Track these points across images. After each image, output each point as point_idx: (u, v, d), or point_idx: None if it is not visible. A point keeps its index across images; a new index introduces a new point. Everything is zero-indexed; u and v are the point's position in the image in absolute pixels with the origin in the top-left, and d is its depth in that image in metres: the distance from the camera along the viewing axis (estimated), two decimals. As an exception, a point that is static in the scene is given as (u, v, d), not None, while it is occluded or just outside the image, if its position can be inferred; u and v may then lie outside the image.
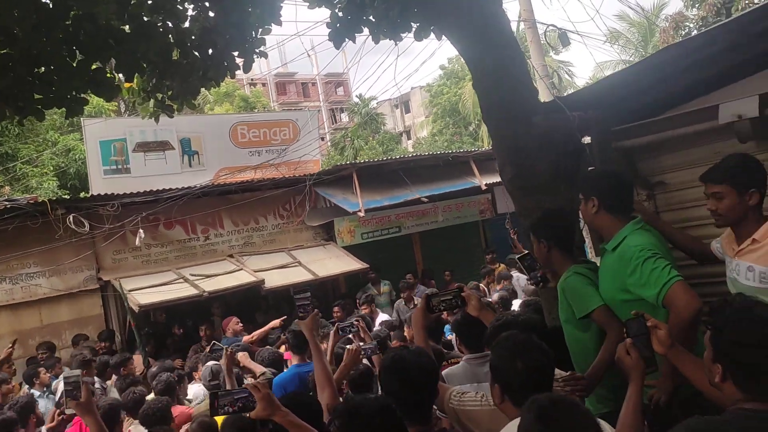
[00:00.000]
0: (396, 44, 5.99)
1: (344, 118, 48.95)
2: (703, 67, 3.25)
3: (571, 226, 3.43)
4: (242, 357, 5.27)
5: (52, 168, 19.03)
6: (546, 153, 3.63)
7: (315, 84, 49.13)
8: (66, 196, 15.24)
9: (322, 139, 44.41)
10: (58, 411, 5.33)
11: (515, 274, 8.53)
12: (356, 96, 41.40)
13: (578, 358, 3.13)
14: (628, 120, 3.63)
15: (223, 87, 30.87)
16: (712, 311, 1.86)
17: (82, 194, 15.59)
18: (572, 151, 3.62)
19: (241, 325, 8.07)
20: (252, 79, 42.08)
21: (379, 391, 2.60)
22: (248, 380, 4.85)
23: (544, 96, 8.15)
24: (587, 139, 3.95)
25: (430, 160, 12.25)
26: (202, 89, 6.71)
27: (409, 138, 47.93)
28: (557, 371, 2.87)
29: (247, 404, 2.46)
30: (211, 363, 5.40)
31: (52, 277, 9.07)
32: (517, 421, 2.02)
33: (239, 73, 6.48)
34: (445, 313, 3.75)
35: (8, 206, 8.60)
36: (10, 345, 7.42)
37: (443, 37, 4.31)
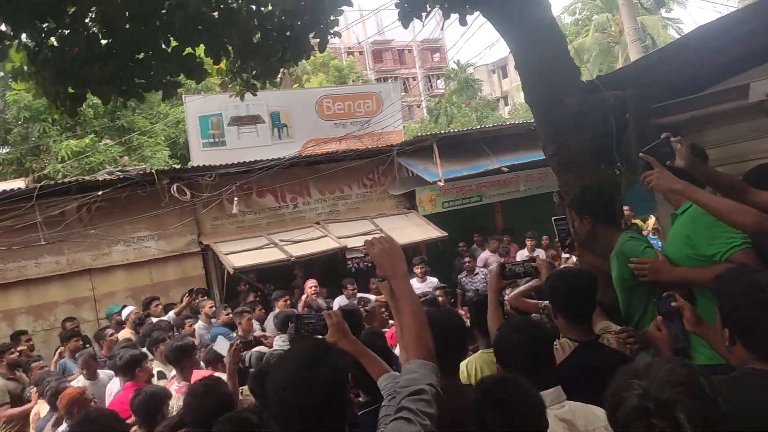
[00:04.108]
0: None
1: (441, 84, 48.66)
2: (738, 45, 3.25)
3: (611, 200, 3.55)
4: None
5: (164, 138, 20.58)
6: (581, 131, 3.76)
7: (411, 51, 49.01)
8: (176, 165, 16.52)
9: (418, 106, 44.56)
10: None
11: None
12: (453, 62, 41.05)
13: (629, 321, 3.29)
14: (667, 98, 3.68)
15: (320, 58, 31.64)
16: (716, 279, 1.99)
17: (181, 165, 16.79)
18: (608, 129, 3.73)
19: (315, 288, 8.60)
20: (349, 48, 42.69)
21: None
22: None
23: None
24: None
25: (511, 129, 12.23)
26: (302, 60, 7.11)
27: (506, 104, 46.96)
28: (608, 324, 3.09)
29: (318, 329, 2.66)
30: (256, 350, 5.85)
31: (159, 240, 10.09)
32: None
33: (336, 42, 6.87)
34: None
35: (121, 176, 9.63)
36: (187, 294, 8.19)
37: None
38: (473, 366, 3.48)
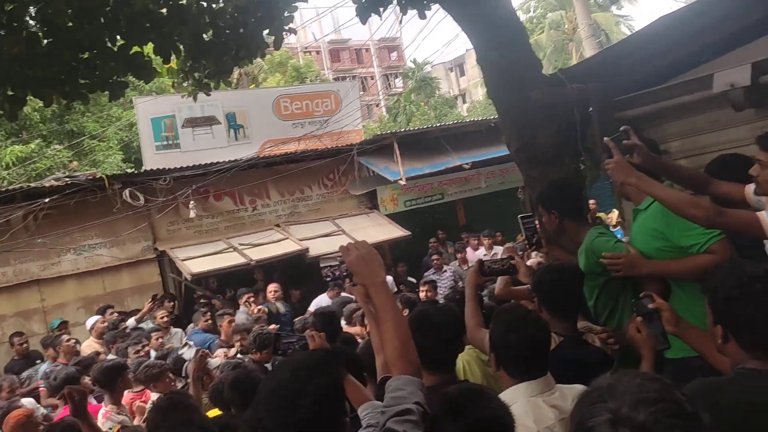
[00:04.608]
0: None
1: (399, 83, 48.70)
2: (701, 36, 3.22)
3: (579, 194, 3.50)
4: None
5: (116, 142, 19.96)
6: (547, 125, 3.70)
7: (369, 50, 48.93)
8: (130, 170, 16.02)
9: (377, 105, 44.50)
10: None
11: None
12: (410, 61, 41.12)
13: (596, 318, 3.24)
14: (630, 91, 3.64)
15: (276, 56, 31.25)
16: (707, 275, 1.91)
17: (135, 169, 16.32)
18: (573, 123, 3.67)
19: (279, 292, 8.49)
20: (306, 47, 42.34)
21: None
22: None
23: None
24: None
25: (471, 126, 12.23)
26: (257, 59, 6.92)
27: (464, 101, 47.31)
28: (589, 324, 3.04)
29: (298, 350, 2.61)
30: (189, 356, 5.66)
31: (112, 247, 9.71)
32: (513, 388, 2.20)
33: (293, 41, 6.71)
34: None
35: (69, 182, 9.22)
36: (150, 301, 7.98)
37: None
38: (460, 362, 3.40)
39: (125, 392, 4.79)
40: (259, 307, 7.65)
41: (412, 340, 1.88)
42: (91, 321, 7.79)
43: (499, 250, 9.48)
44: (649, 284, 2.79)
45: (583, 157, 3.79)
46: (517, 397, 2.11)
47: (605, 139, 2.66)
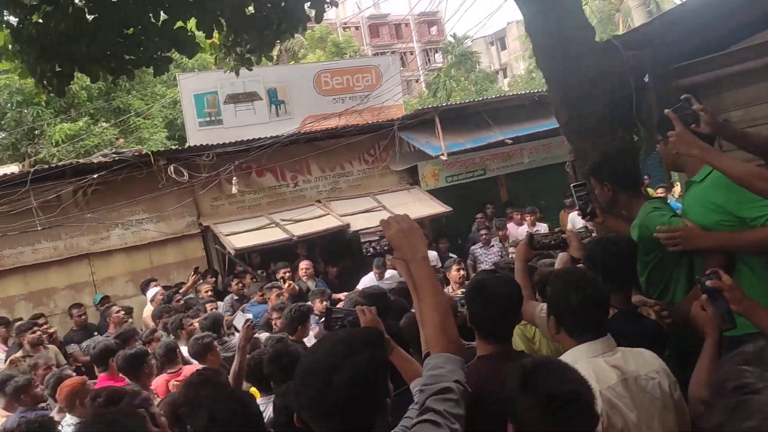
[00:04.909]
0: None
1: (438, 58, 48.07)
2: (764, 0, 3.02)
3: (634, 165, 3.35)
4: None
5: (161, 120, 20.28)
6: (600, 95, 3.55)
7: (408, 24, 48.32)
8: (174, 146, 16.28)
9: (416, 81, 44.04)
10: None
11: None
12: (450, 35, 40.45)
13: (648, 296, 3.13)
14: (689, 57, 3.45)
15: (317, 32, 31.19)
16: None
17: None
18: (628, 92, 3.51)
19: (311, 270, 8.52)
20: (345, 23, 42.08)
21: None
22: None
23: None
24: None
25: (514, 100, 11.97)
26: (297, 35, 6.92)
27: (505, 76, 46.45)
28: (643, 298, 2.94)
29: (347, 325, 2.55)
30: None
31: (158, 222, 9.90)
32: (574, 349, 2.16)
33: (332, 17, 6.66)
34: None
35: (116, 158, 9.41)
36: (193, 273, 8.35)
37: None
38: None
39: (160, 376, 4.82)
40: (289, 283, 7.70)
41: (452, 317, 1.84)
42: (151, 292, 8.09)
43: (543, 227, 9.33)
44: (710, 259, 2.66)
45: (638, 129, 3.62)
46: (578, 358, 2.07)
47: (666, 111, 2.52)
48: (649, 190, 9.42)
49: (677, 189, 8.86)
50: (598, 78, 3.54)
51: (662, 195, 9.07)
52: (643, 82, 3.64)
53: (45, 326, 7.13)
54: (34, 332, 6.50)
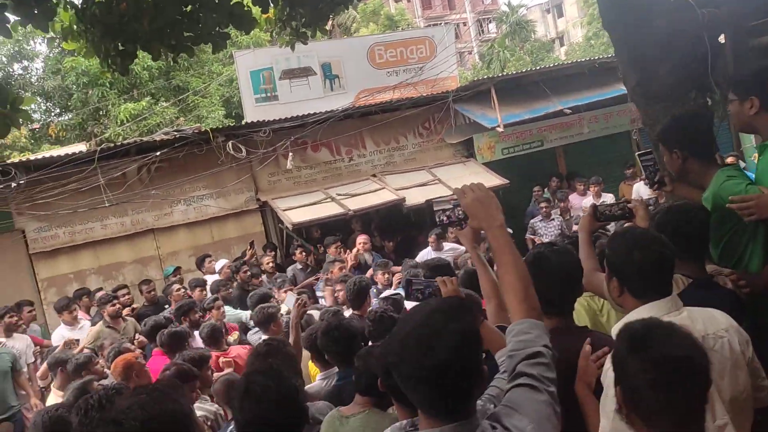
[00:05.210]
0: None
1: (492, 28, 47.00)
2: None
3: (708, 130, 3.17)
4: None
5: (218, 98, 20.66)
6: (672, 56, 3.37)
7: (461, -6, 47.33)
8: (231, 124, 16.57)
9: (469, 53, 43.24)
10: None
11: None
12: (504, 4, 39.46)
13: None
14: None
15: (369, 5, 30.99)
16: None
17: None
18: (702, 53, 3.32)
19: (368, 244, 8.60)
20: (397, -5, 41.61)
21: None
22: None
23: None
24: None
25: (573, 68, 11.58)
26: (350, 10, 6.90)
27: (562, 44, 45.03)
28: (718, 268, 2.82)
29: (427, 295, 2.55)
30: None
31: (218, 198, 10.14)
32: (638, 310, 2.09)
33: None
34: None
35: (177, 136, 9.65)
36: (249, 247, 8.64)
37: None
38: None
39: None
40: (356, 250, 7.74)
41: (532, 285, 1.80)
42: (219, 264, 8.38)
43: (609, 197, 9.08)
44: None
45: (712, 92, 3.42)
46: None
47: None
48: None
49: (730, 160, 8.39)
50: (670, 37, 3.35)
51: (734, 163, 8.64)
52: (719, 42, 3.43)
53: (126, 297, 7.43)
54: (114, 305, 6.77)
